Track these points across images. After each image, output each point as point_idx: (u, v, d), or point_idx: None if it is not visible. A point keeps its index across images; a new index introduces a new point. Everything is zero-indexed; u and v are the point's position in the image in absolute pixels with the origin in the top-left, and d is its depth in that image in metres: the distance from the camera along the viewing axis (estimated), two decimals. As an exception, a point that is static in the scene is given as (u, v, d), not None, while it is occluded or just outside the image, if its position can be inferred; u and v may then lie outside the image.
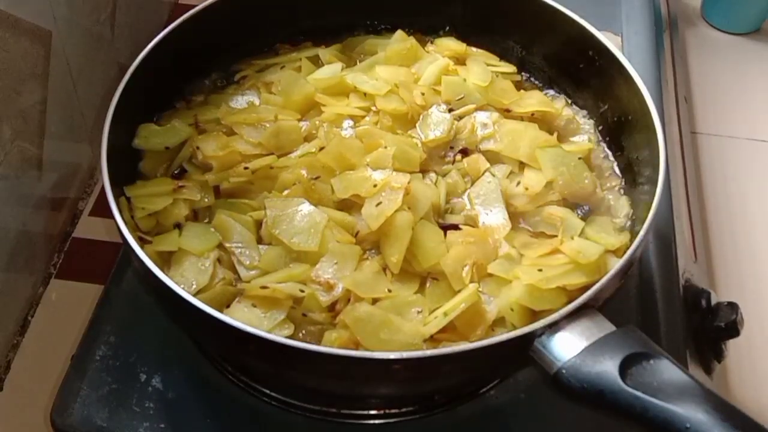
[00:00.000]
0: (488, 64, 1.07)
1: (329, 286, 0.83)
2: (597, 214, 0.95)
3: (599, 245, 0.88)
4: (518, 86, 1.07)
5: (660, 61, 1.33)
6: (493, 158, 0.97)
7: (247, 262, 0.88)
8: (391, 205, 0.86)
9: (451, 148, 0.98)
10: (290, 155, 0.96)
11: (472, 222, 0.91)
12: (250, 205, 0.92)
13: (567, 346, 0.73)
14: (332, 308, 0.84)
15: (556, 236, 0.89)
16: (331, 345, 0.80)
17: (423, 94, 1.04)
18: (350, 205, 0.90)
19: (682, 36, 1.67)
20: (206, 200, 0.93)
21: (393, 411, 0.92)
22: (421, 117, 1.00)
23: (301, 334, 0.83)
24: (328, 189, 0.91)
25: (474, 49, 1.12)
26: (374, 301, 0.83)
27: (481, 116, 1.00)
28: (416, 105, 1.02)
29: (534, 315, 0.83)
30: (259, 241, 0.90)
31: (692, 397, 0.67)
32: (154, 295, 0.85)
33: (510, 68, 1.10)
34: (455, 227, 0.90)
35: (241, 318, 0.81)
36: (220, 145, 0.96)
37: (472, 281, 0.86)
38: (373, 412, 0.92)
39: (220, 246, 0.89)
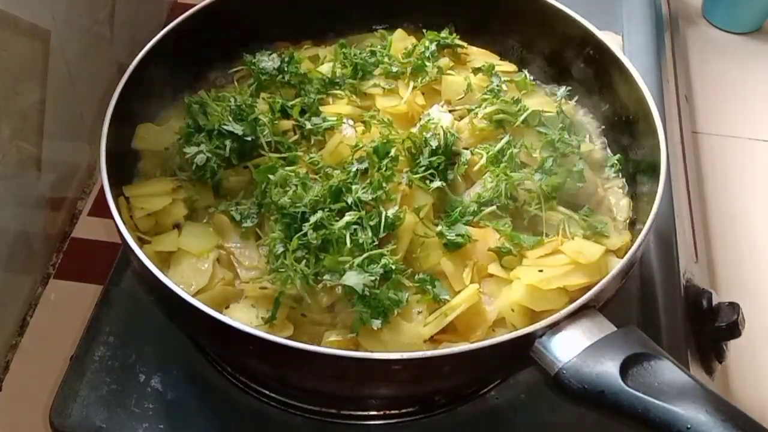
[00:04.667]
0: (488, 63, 1.07)
1: (330, 286, 0.83)
2: (598, 214, 0.94)
3: (600, 245, 0.88)
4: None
5: (661, 61, 1.33)
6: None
7: (247, 263, 0.87)
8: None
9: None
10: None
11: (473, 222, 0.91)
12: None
13: (568, 347, 0.73)
14: (332, 309, 0.84)
15: (556, 236, 0.89)
16: (330, 346, 0.80)
17: (423, 93, 1.04)
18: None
19: (683, 35, 1.66)
20: (206, 200, 0.93)
21: (393, 412, 0.91)
22: (421, 116, 1.00)
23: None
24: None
25: (474, 48, 1.12)
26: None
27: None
28: (416, 104, 1.02)
29: (535, 315, 0.82)
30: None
31: (693, 398, 0.67)
32: (154, 295, 0.85)
33: (510, 67, 1.10)
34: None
35: (241, 318, 0.81)
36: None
37: (472, 282, 0.85)
38: (373, 412, 0.92)
39: (220, 246, 0.89)
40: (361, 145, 0.92)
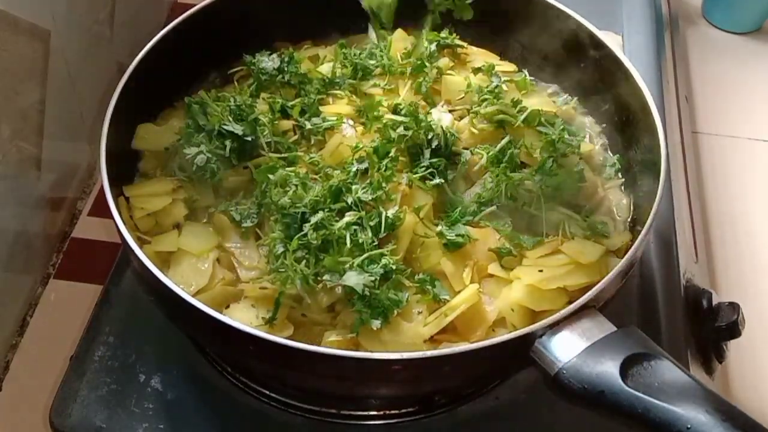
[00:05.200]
0: (488, 63, 1.07)
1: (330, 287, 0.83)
2: (598, 214, 0.94)
3: (600, 245, 0.88)
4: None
5: (661, 61, 1.33)
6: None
7: (247, 263, 0.87)
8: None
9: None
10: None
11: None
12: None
13: (568, 347, 0.73)
14: (332, 308, 0.84)
15: (556, 237, 0.89)
16: (330, 346, 0.80)
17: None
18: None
19: (683, 35, 1.66)
20: (206, 200, 0.93)
21: (393, 412, 0.91)
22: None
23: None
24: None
25: (474, 48, 1.12)
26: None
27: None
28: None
29: (535, 315, 0.83)
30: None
31: (693, 398, 0.67)
32: (154, 295, 0.85)
33: (510, 67, 1.10)
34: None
35: (241, 318, 0.81)
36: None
37: (472, 282, 0.85)
38: (373, 412, 0.92)
39: (220, 246, 0.89)
40: (361, 146, 0.92)
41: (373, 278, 0.79)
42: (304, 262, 0.81)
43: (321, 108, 1.01)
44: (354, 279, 0.79)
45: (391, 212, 0.85)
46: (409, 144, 0.93)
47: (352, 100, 1.03)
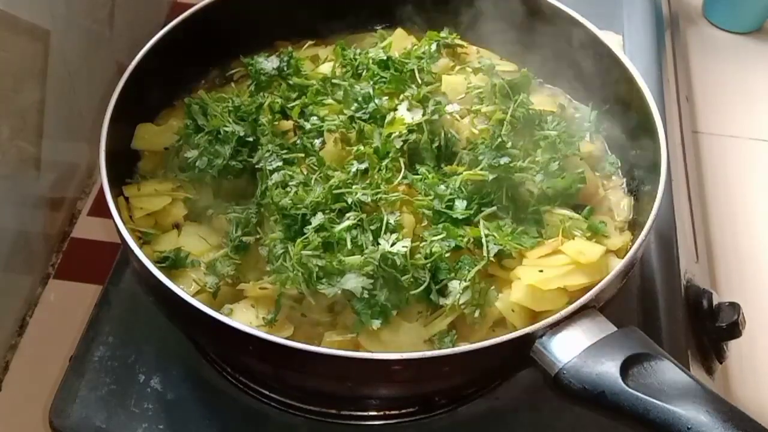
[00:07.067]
0: (488, 63, 1.06)
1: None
2: (598, 214, 0.94)
3: (600, 246, 0.88)
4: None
5: (661, 61, 1.33)
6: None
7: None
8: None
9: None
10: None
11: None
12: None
13: (568, 347, 0.73)
14: (332, 309, 0.84)
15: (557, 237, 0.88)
16: (330, 346, 0.80)
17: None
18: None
19: (684, 35, 1.66)
20: (206, 200, 0.93)
21: (393, 412, 0.91)
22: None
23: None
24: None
25: (474, 48, 1.11)
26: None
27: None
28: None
29: (535, 316, 0.82)
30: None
31: (694, 398, 0.67)
32: (153, 295, 0.85)
33: (510, 67, 1.09)
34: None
35: (241, 318, 0.81)
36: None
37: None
38: (373, 413, 0.92)
39: (220, 246, 0.89)
40: (362, 149, 0.92)
41: (372, 280, 0.79)
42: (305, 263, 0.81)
43: (321, 108, 1.00)
44: (352, 282, 0.79)
45: (392, 219, 0.84)
46: (412, 146, 0.93)
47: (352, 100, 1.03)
